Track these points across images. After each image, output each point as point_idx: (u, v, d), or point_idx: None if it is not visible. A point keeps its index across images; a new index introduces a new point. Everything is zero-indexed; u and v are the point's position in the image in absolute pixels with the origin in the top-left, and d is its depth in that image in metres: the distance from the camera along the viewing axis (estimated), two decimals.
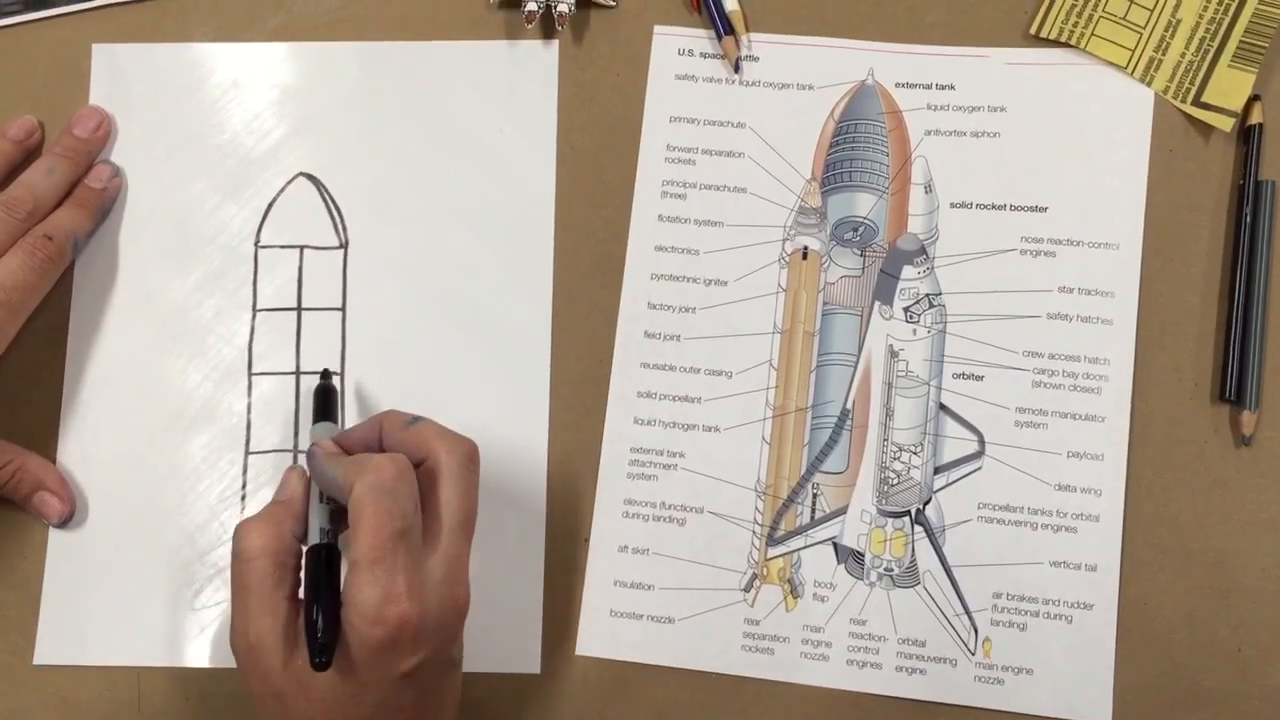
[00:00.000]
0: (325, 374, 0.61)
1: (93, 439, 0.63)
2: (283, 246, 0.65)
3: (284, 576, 0.51)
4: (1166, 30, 0.63)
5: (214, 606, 0.62)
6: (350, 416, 0.63)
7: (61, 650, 0.62)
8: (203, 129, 0.66)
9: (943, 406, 0.62)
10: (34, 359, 0.64)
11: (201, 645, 0.62)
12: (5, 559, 0.63)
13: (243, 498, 0.63)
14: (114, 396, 0.64)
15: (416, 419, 0.54)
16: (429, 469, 0.52)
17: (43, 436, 0.63)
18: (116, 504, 0.63)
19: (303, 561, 0.52)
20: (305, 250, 0.65)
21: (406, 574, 0.49)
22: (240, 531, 0.52)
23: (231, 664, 0.61)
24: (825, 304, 0.63)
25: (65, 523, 0.62)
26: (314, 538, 0.52)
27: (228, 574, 0.62)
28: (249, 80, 0.66)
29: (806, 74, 0.65)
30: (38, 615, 0.62)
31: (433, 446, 0.52)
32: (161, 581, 0.62)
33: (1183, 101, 0.63)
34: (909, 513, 0.62)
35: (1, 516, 0.63)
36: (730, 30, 0.64)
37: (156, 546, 0.63)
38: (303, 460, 0.62)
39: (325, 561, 0.51)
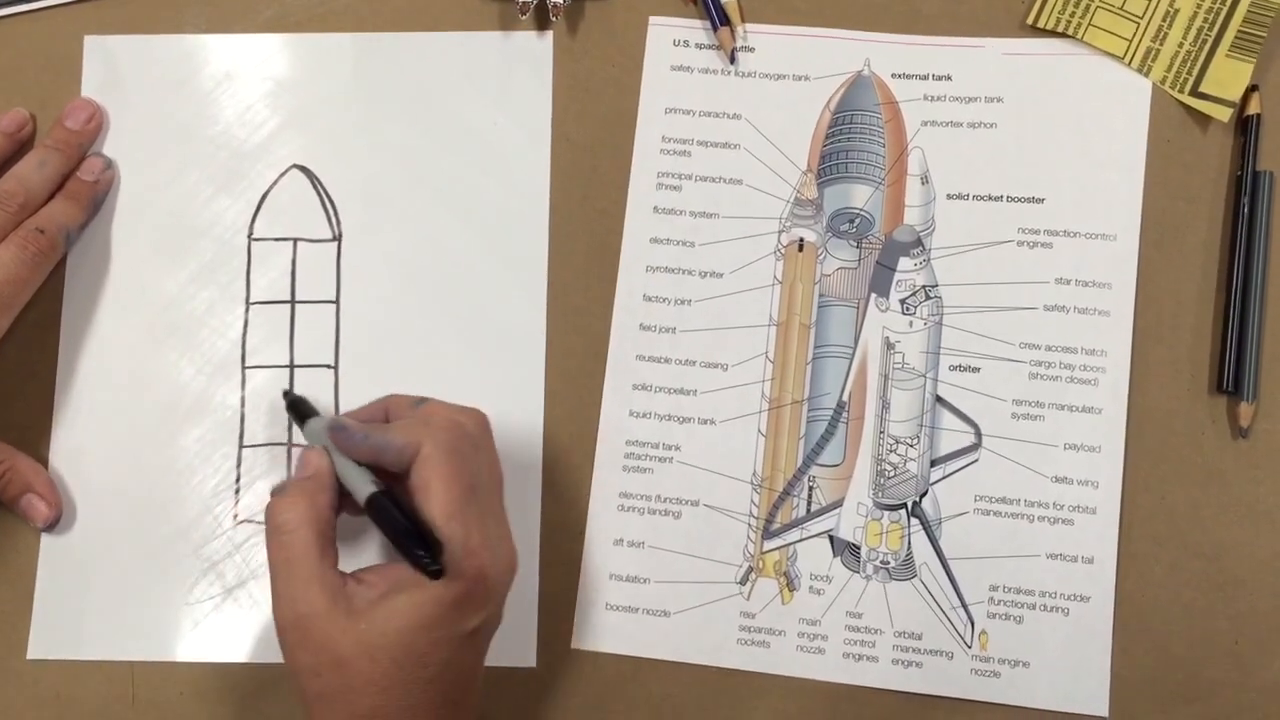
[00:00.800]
0: (285, 393, 0.59)
1: (86, 433, 0.63)
2: (276, 239, 0.65)
3: (325, 547, 0.51)
4: (1164, 20, 0.63)
5: (208, 600, 0.62)
6: (343, 409, 0.62)
7: (55, 645, 0.62)
8: (195, 121, 0.66)
9: (939, 399, 0.62)
10: (26, 353, 0.63)
11: (195, 639, 0.62)
12: None
13: (237, 491, 0.63)
14: (107, 390, 0.63)
15: (423, 399, 0.55)
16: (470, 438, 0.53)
17: (35, 430, 0.63)
18: (110, 498, 0.63)
19: (370, 514, 0.51)
20: (299, 243, 0.64)
21: (481, 528, 0.50)
22: (274, 509, 0.51)
23: (224, 658, 0.61)
24: (821, 296, 0.63)
25: (52, 527, 0.62)
26: (364, 493, 0.52)
27: (221, 567, 0.62)
28: (242, 72, 0.66)
29: (802, 65, 0.64)
30: (31, 610, 0.62)
31: (458, 419, 0.53)
32: (155, 575, 0.62)
33: (1180, 92, 0.63)
34: (905, 505, 0.61)
35: None
36: (726, 21, 0.64)
37: (150, 540, 0.62)
38: (297, 453, 0.62)
39: (394, 501, 0.51)
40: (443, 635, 0.50)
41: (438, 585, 0.49)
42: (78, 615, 0.62)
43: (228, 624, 0.62)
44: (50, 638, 0.62)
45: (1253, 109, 0.62)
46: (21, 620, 0.62)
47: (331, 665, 0.49)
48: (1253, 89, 0.63)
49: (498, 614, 0.52)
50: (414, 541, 0.49)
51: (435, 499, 0.50)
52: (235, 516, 0.63)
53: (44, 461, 0.63)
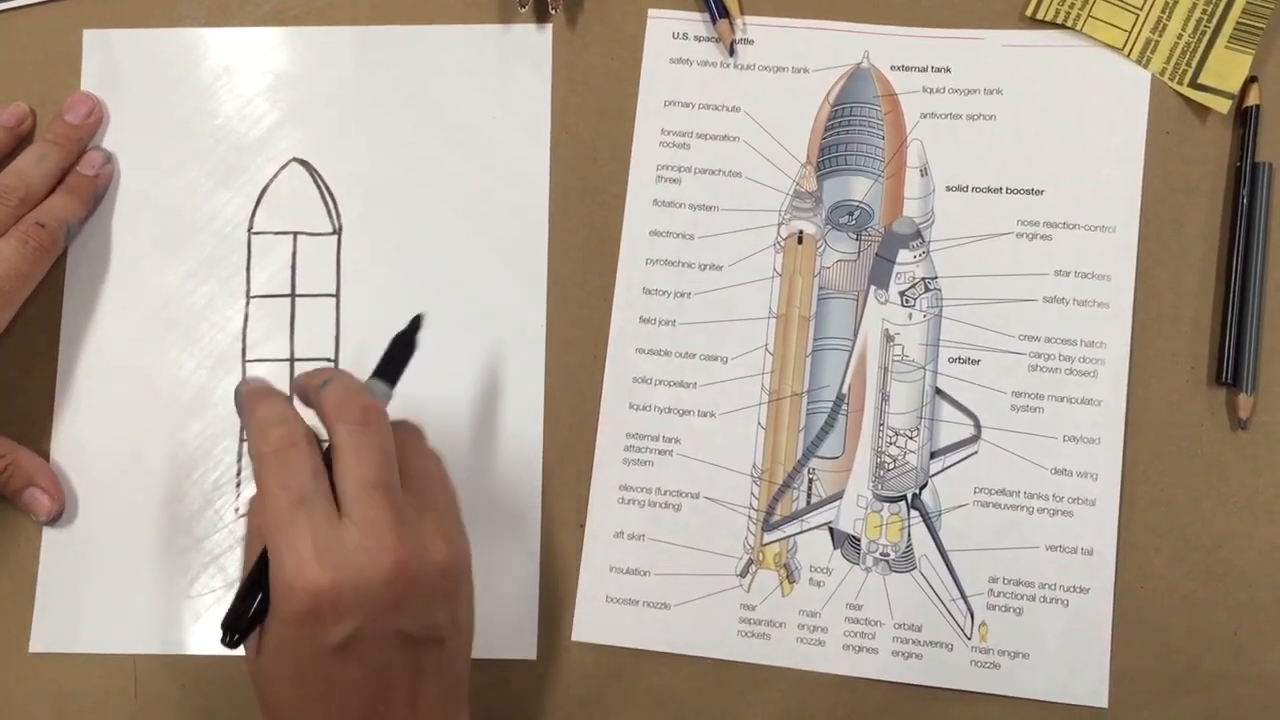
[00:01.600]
0: (416, 322, 0.56)
1: (86, 427, 0.63)
2: (276, 233, 0.65)
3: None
4: (1163, 11, 0.63)
5: (209, 594, 0.62)
6: None
7: (57, 638, 0.62)
8: (195, 115, 0.66)
9: (939, 391, 0.62)
10: (27, 347, 0.63)
11: (196, 632, 0.62)
12: (0, 547, 0.63)
13: (238, 485, 0.63)
14: (108, 384, 0.64)
15: (327, 382, 0.51)
16: (331, 441, 0.50)
17: (36, 425, 0.63)
18: (111, 492, 0.63)
19: None
20: (298, 236, 0.64)
21: (313, 540, 0.47)
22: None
23: (225, 652, 0.61)
24: (821, 288, 0.63)
25: (54, 520, 0.62)
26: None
27: (223, 561, 0.62)
28: (241, 65, 0.66)
29: (801, 57, 0.64)
30: (33, 603, 0.62)
31: (327, 418, 0.50)
32: (156, 569, 0.62)
33: (1179, 83, 0.63)
34: (905, 497, 0.61)
35: None
36: (725, 13, 0.64)
37: (151, 534, 0.63)
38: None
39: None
40: (304, 655, 0.48)
41: (276, 603, 0.47)
42: (79, 609, 0.62)
43: None
44: (52, 631, 0.62)
45: (1252, 100, 0.62)
46: (23, 613, 0.62)
47: (256, 698, 0.50)
48: (1252, 80, 0.63)
49: (390, 623, 0.48)
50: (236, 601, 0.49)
51: (257, 516, 0.49)
52: (236, 510, 0.63)
53: (45, 455, 0.63)
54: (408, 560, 0.48)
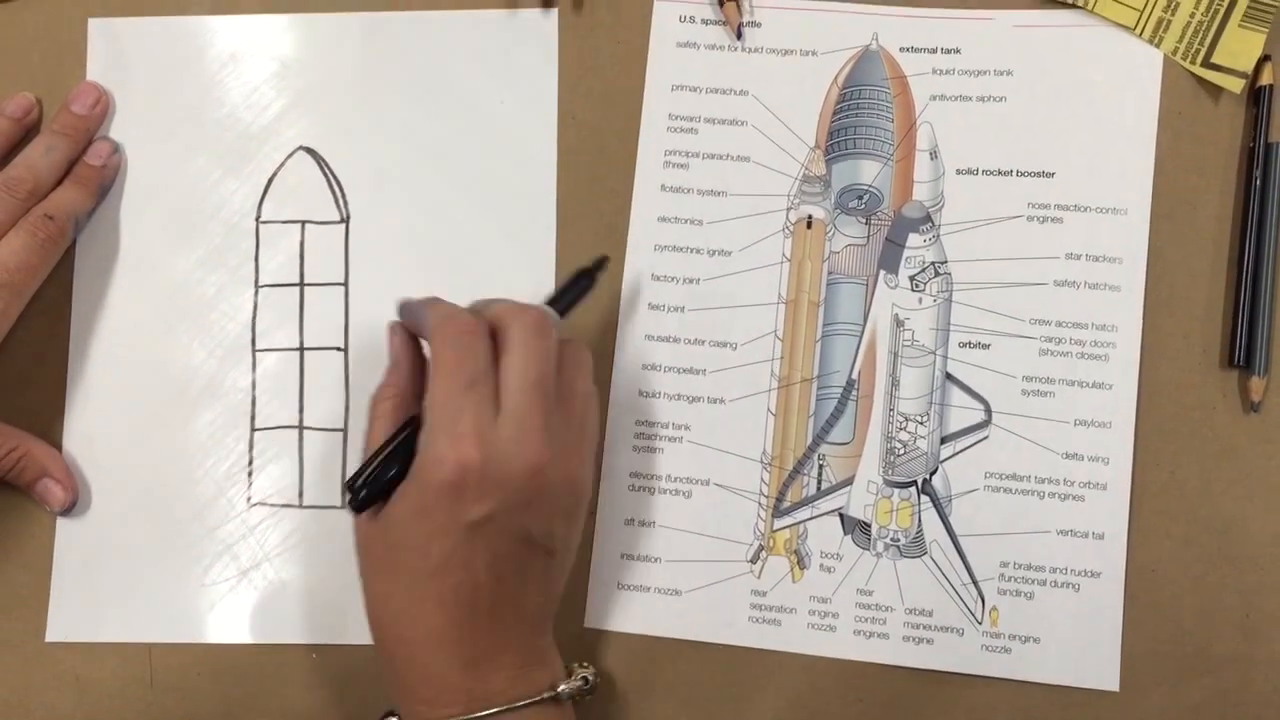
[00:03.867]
0: (601, 261, 0.59)
1: (98, 417, 0.64)
2: (284, 222, 0.65)
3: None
4: None
5: (223, 582, 0.62)
6: (353, 391, 0.63)
7: (73, 627, 0.62)
8: (201, 103, 0.65)
9: (949, 375, 0.62)
10: (37, 339, 0.64)
11: (212, 620, 0.62)
12: (16, 538, 0.63)
13: (249, 473, 0.63)
14: (118, 375, 0.64)
15: (491, 302, 0.55)
16: (501, 339, 0.53)
17: (48, 416, 0.63)
18: (124, 481, 0.63)
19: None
20: (306, 225, 0.64)
21: (475, 421, 0.50)
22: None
23: (240, 639, 0.62)
24: (830, 273, 0.63)
25: (68, 511, 0.62)
26: None
27: (235, 550, 0.62)
28: (247, 53, 0.65)
29: (810, 40, 0.64)
30: (49, 593, 0.63)
31: (502, 318, 0.53)
32: (170, 558, 0.63)
33: (1192, 63, 0.62)
34: (915, 483, 0.61)
35: (11, 496, 0.63)
36: None
37: (165, 523, 0.63)
38: (307, 436, 0.62)
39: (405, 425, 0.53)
40: (437, 525, 0.50)
41: (424, 470, 0.50)
42: (95, 598, 0.62)
43: (243, 605, 0.62)
44: (68, 620, 0.62)
45: (1265, 80, 0.62)
46: (39, 603, 0.63)
47: (360, 553, 0.54)
48: (1265, 59, 0.62)
49: (520, 518, 0.51)
50: (365, 470, 0.52)
51: (431, 391, 0.51)
52: (249, 499, 0.63)
53: (58, 446, 0.63)
54: (547, 465, 0.51)
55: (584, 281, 0.58)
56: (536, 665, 0.53)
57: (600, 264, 0.59)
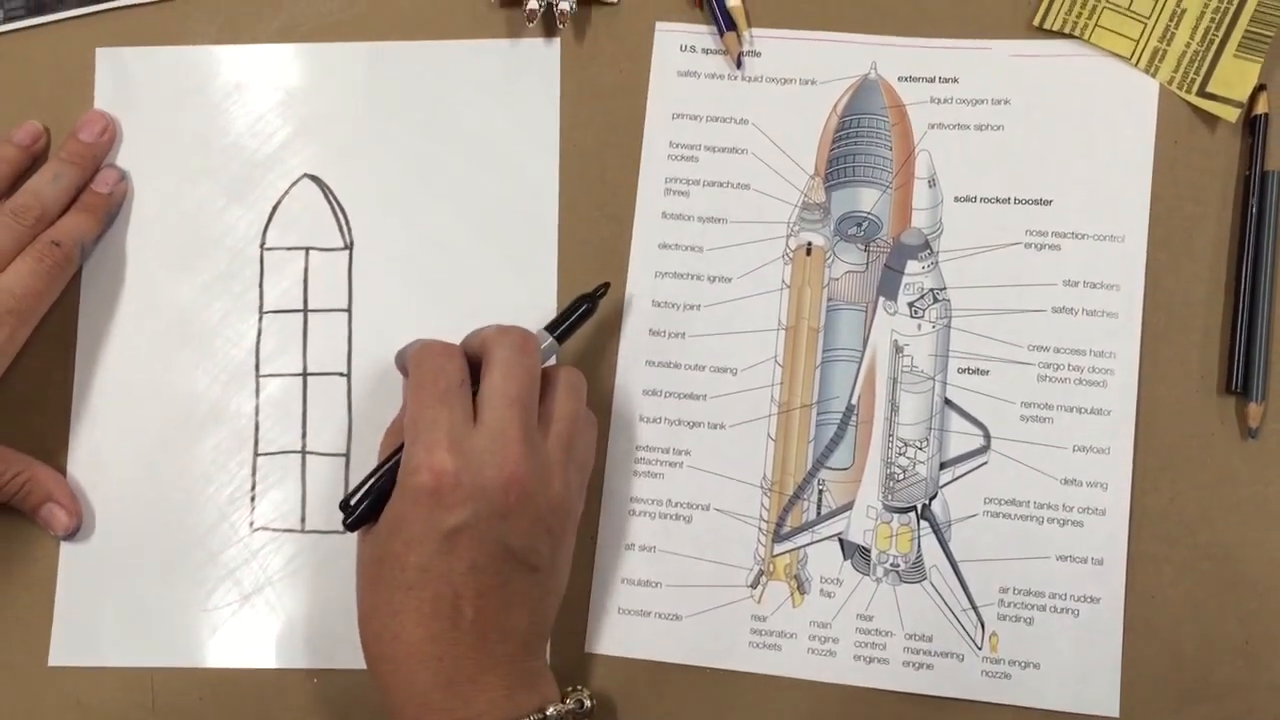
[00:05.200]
0: (602, 287, 0.61)
1: (103, 442, 0.64)
2: (288, 248, 0.65)
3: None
4: (1171, 20, 0.63)
5: (225, 607, 0.63)
6: (356, 417, 0.63)
7: (76, 651, 0.63)
8: (207, 131, 0.66)
9: (948, 401, 0.62)
10: (43, 364, 0.64)
11: (214, 645, 0.62)
12: (19, 562, 0.63)
13: (252, 499, 0.63)
14: (123, 400, 0.64)
15: (480, 330, 0.57)
16: (485, 359, 0.54)
17: (53, 441, 0.64)
18: (128, 506, 0.63)
19: None
20: (310, 252, 0.65)
21: (449, 430, 0.52)
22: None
23: (242, 664, 0.62)
24: (830, 300, 0.63)
25: (72, 535, 0.63)
26: None
27: (238, 575, 0.63)
28: (252, 82, 0.66)
29: (809, 69, 0.64)
30: (52, 617, 0.63)
31: (486, 340, 0.55)
32: (173, 582, 0.63)
33: (1188, 92, 0.63)
34: (915, 508, 0.62)
35: (16, 520, 0.63)
36: (732, 25, 0.64)
37: (168, 548, 0.63)
38: (311, 461, 0.63)
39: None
40: (415, 534, 0.52)
41: (402, 481, 0.52)
42: (97, 622, 0.63)
43: (246, 630, 0.62)
44: (71, 644, 0.63)
45: (1261, 109, 0.62)
46: (42, 627, 0.63)
47: (356, 568, 0.55)
48: (1260, 89, 0.62)
49: (496, 529, 0.52)
50: (358, 489, 0.54)
51: (407, 406, 0.54)
52: (251, 524, 0.63)
53: (62, 471, 0.64)
54: (525, 477, 0.52)
55: (584, 307, 0.59)
56: (524, 688, 0.53)
57: (601, 290, 0.60)
